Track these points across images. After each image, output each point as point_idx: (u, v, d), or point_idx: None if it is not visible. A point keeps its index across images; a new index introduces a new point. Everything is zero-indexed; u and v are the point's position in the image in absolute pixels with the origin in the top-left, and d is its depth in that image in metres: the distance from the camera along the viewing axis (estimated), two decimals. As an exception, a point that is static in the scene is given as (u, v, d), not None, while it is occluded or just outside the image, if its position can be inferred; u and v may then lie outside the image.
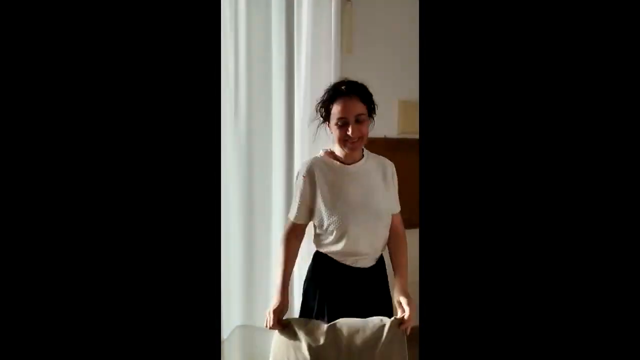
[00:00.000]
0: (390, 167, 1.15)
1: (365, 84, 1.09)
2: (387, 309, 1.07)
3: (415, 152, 1.95)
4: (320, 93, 1.49)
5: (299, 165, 1.55)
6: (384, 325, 0.95)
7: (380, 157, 1.17)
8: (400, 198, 1.43)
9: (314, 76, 1.58)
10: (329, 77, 1.57)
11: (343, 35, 1.65)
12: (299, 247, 1.14)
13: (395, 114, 2.12)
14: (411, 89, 2.23)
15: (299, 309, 1.15)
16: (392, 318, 0.98)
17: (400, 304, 1.01)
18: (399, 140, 2.03)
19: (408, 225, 1.49)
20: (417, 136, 2.00)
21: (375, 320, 0.98)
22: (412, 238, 1.35)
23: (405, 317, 0.97)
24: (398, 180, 1.19)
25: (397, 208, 1.16)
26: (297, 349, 0.96)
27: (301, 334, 0.96)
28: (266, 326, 1.00)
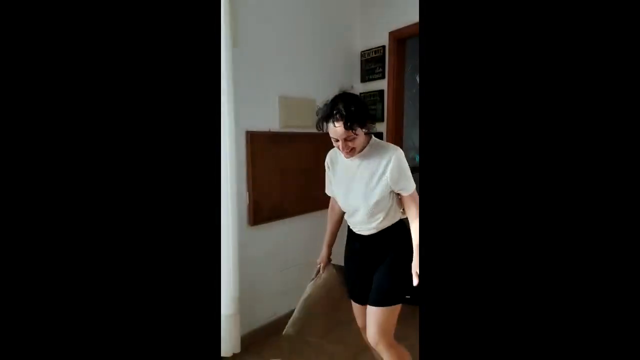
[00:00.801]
0: (389, 157, 1.25)
1: (360, 100, 1.24)
2: (375, 267, 1.38)
3: (297, 144, 2.19)
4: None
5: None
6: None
7: (386, 147, 1.29)
8: (279, 185, 1.87)
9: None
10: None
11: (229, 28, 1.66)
12: (339, 213, 1.52)
13: (277, 109, 1.91)
14: (290, 85, 2.19)
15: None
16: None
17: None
18: (282, 134, 2.13)
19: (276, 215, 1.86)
20: (296, 130, 2.18)
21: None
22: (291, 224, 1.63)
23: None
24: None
25: (405, 190, 1.30)
26: (318, 279, 1.54)
27: (324, 274, 1.52)
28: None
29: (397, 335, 1.39)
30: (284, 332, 1.53)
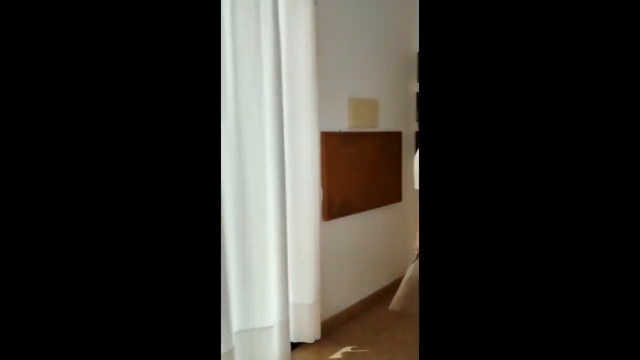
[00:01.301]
0: None
1: None
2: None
3: (362, 142, 2.33)
4: (298, 92, 1.73)
5: (288, 159, 1.75)
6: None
7: None
8: (348, 182, 2.02)
9: (291, 76, 1.73)
10: (306, 78, 1.75)
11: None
12: None
13: (345, 110, 2.03)
14: (356, 87, 2.31)
15: None
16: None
17: None
18: (350, 133, 2.25)
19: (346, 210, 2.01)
20: (362, 129, 2.30)
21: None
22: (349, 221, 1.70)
23: None
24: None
25: None
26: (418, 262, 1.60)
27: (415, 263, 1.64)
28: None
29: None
30: (389, 307, 1.67)
